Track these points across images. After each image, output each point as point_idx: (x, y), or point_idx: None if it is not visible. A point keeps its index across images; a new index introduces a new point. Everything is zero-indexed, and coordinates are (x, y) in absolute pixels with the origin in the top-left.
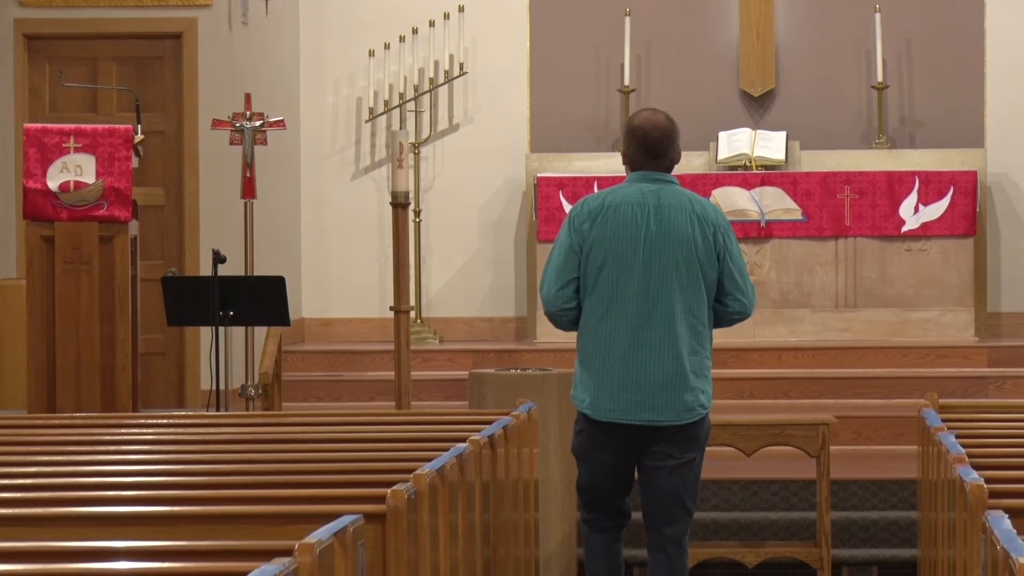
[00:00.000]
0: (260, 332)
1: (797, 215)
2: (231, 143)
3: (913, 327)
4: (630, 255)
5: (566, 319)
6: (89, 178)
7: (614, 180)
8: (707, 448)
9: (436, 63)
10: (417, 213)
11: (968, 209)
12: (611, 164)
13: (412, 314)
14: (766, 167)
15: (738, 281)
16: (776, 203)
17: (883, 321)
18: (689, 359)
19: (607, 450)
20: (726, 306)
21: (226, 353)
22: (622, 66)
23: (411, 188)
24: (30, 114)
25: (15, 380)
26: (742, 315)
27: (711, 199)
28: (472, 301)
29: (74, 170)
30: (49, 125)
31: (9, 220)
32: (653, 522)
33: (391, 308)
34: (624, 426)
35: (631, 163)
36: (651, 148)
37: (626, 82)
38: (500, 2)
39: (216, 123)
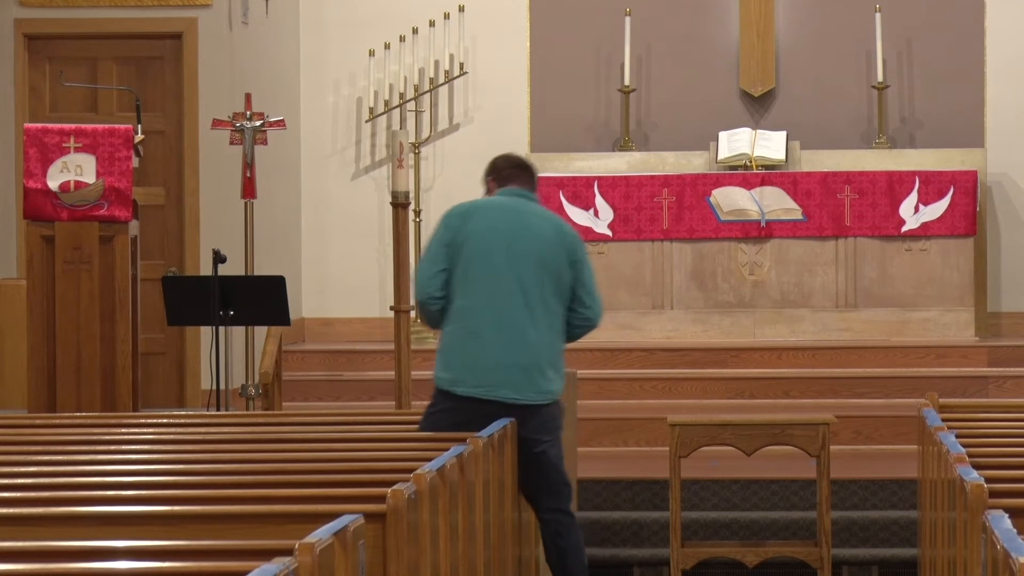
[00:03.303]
0: (260, 332)
1: (797, 215)
2: (231, 143)
3: (913, 327)
4: (495, 250)
5: (434, 308)
6: (89, 178)
7: (614, 180)
8: (707, 448)
9: (436, 63)
10: (417, 213)
11: (968, 209)
12: (611, 164)
13: (412, 314)
14: (766, 167)
15: (589, 289)
16: (776, 203)
17: (883, 321)
18: (546, 346)
19: (468, 425)
20: (576, 312)
21: (226, 353)
22: (622, 66)
23: (411, 188)
24: (30, 114)
25: (15, 380)
26: (589, 322)
27: (711, 199)
28: None
29: (74, 170)
30: (49, 125)
31: (9, 220)
32: (550, 500)
33: (391, 308)
34: (485, 403)
35: (500, 180)
36: (518, 162)
37: (626, 82)
38: (500, 2)
39: (216, 123)
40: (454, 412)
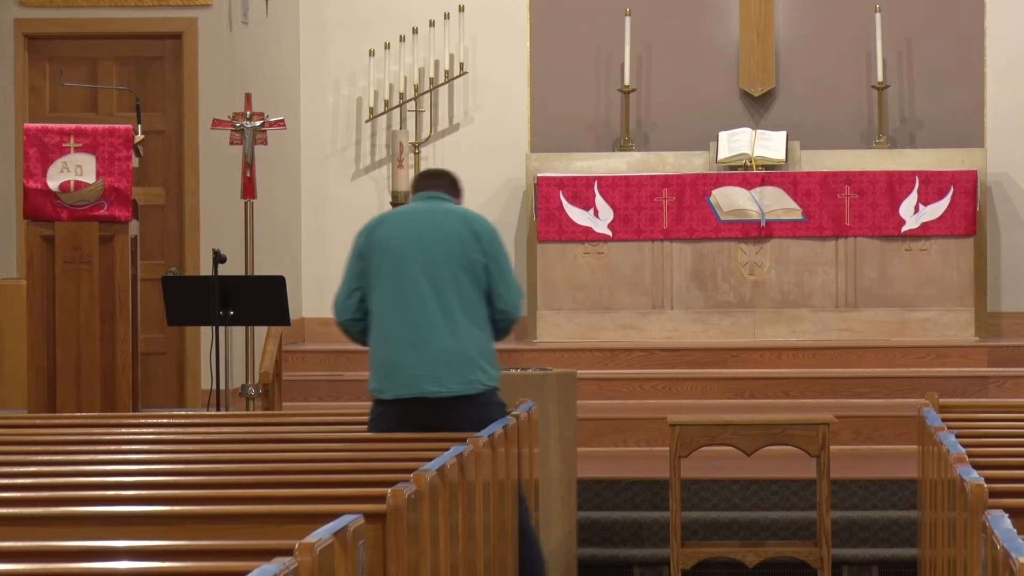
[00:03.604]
0: (260, 332)
1: (797, 215)
2: (231, 143)
3: (913, 327)
4: (404, 255)
5: (356, 329)
6: (89, 178)
7: (614, 180)
8: (707, 448)
9: (436, 63)
10: None
11: (968, 209)
12: (611, 164)
13: None
14: (766, 167)
15: (501, 284)
16: (776, 203)
17: (883, 321)
18: (469, 340)
19: (401, 429)
20: (493, 306)
21: (226, 353)
22: (622, 66)
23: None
24: (30, 114)
25: (15, 380)
26: (504, 315)
27: (711, 199)
28: None
29: (74, 170)
30: (49, 125)
31: (9, 220)
32: None
33: None
34: (410, 403)
35: (415, 191)
36: (431, 172)
37: (626, 82)
38: (500, 2)
39: (216, 123)
40: (385, 417)
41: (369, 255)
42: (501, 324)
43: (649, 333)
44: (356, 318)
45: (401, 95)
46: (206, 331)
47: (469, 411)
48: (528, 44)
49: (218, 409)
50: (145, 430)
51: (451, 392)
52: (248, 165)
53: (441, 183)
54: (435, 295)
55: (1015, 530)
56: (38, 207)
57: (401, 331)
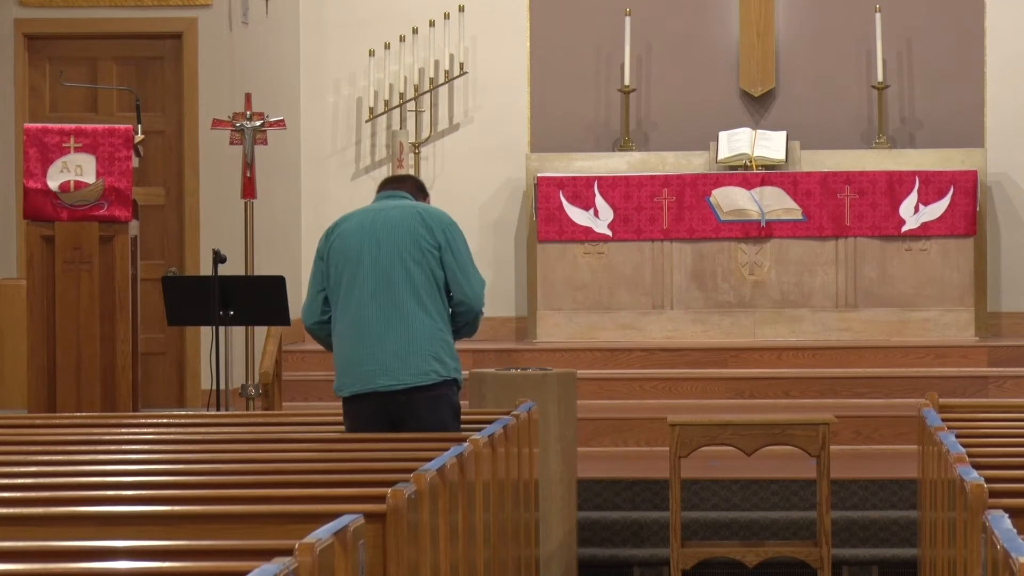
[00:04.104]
0: (260, 332)
1: (797, 215)
2: (231, 143)
3: (913, 327)
4: (358, 253)
5: (323, 333)
6: (89, 178)
7: (614, 180)
8: (707, 448)
9: (436, 63)
10: None
11: (968, 209)
12: (611, 164)
13: None
14: (766, 167)
15: (459, 274)
16: (776, 203)
17: (883, 321)
18: (424, 333)
19: (364, 425)
20: (452, 298)
21: (226, 353)
22: (622, 66)
23: None
24: (30, 114)
25: (15, 380)
26: (464, 306)
27: (711, 199)
28: None
29: (74, 170)
30: (49, 125)
31: (9, 220)
32: None
33: None
34: (366, 398)
35: (378, 191)
36: (395, 176)
37: (626, 82)
38: (500, 2)
39: (216, 123)
40: (350, 415)
41: (328, 256)
42: (463, 318)
43: (649, 333)
44: (323, 320)
45: (401, 95)
46: (206, 331)
47: (422, 408)
48: (528, 44)
49: (218, 409)
50: (145, 430)
51: (404, 384)
52: (248, 165)
53: (404, 185)
54: (387, 290)
55: (1015, 530)
56: (38, 207)
57: (355, 328)
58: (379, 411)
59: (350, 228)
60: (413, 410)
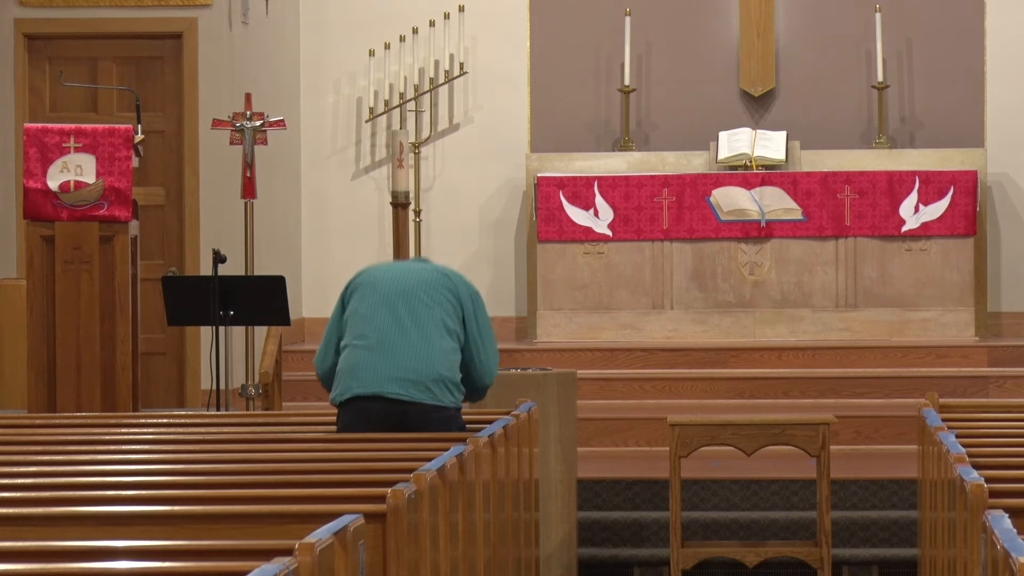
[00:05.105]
0: (260, 332)
1: (797, 215)
2: (231, 143)
3: (913, 327)
4: (379, 292)
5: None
6: (89, 178)
7: (614, 180)
8: (707, 448)
9: (436, 63)
10: (417, 213)
11: (968, 209)
12: (611, 164)
13: None
14: (766, 167)
15: (479, 343)
16: (776, 203)
17: (883, 321)
18: (434, 368)
19: (364, 426)
20: (467, 368)
21: (226, 353)
22: (622, 66)
23: (411, 188)
24: (30, 114)
25: (15, 380)
26: (473, 386)
27: (711, 199)
28: None
29: (74, 170)
30: (49, 125)
31: (9, 220)
32: None
33: None
34: (370, 400)
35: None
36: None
37: (626, 82)
38: (500, 2)
39: (216, 123)
40: (345, 420)
41: (349, 299)
42: (471, 386)
43: (649, 333)
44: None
45: (401, 95)
46: (206, 331)
47: (425, 421)
48: (528, 44)
49: (218, 409)
50: (145, 430)
51: (411, 398)
52: (248, 165)
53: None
54: (410, 315)
55: (1015, 530)
56: (38, 207)
57: (369, 338)
58: (380, 413)
59: (376, 272)
60: (422, 420)
